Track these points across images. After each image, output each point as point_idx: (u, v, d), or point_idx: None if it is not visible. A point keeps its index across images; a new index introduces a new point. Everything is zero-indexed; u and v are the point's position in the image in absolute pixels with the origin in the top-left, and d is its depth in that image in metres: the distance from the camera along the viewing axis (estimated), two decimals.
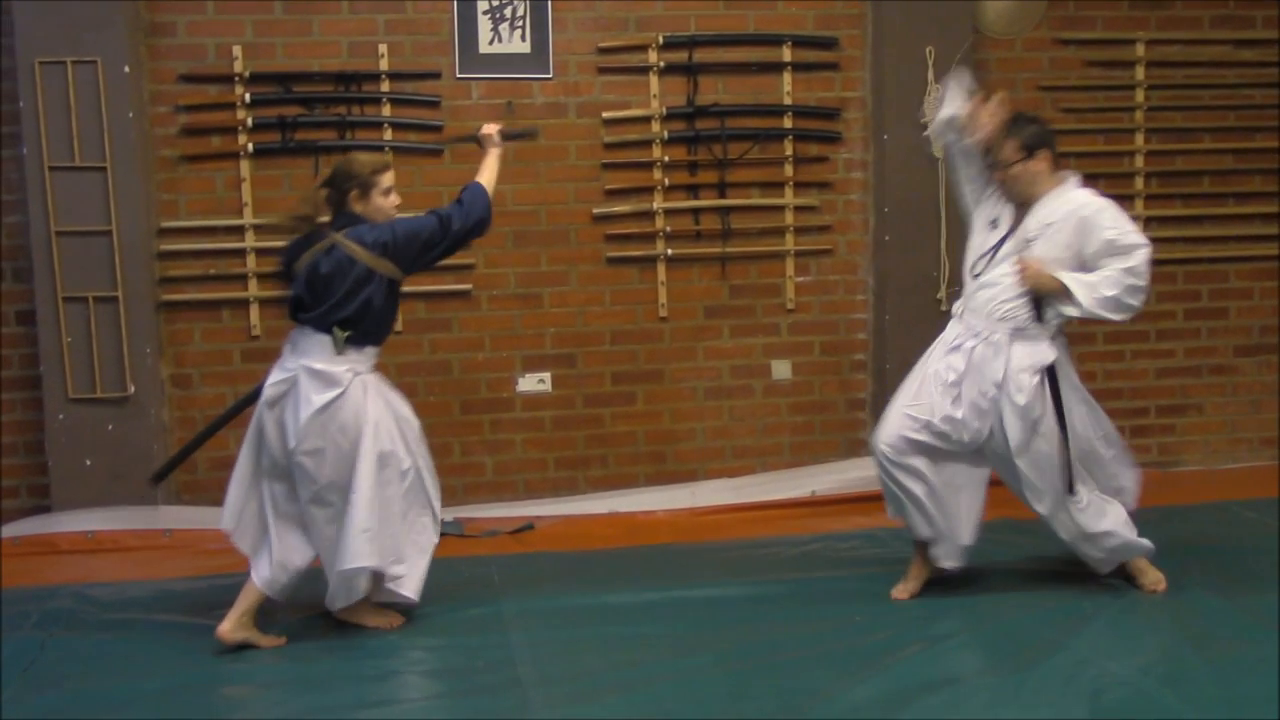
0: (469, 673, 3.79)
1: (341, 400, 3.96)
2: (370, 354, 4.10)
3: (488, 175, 4.25)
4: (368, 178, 4.03)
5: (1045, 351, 4.15)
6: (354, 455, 3.97)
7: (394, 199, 4.11)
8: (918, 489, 4.25)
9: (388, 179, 4.08)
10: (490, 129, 4.37)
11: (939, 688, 3.58)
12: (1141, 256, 4.06)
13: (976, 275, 4.24)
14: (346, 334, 3.98)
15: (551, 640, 4.04)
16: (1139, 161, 6.06)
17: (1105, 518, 4.26)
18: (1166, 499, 5.58)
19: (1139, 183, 6.04)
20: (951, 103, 4.27)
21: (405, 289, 5.44)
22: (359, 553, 3.96)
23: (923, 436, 4.22)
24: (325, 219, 4.09)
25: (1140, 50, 6.01)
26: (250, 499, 4.13)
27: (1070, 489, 4.18)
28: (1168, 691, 3.48)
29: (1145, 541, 4.31)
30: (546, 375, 5.71)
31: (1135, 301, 4.10)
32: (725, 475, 5.85)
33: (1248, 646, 3.82)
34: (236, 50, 5.36)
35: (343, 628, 4.18)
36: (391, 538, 4.06)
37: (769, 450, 5.94)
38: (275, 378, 4.03)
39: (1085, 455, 4.25)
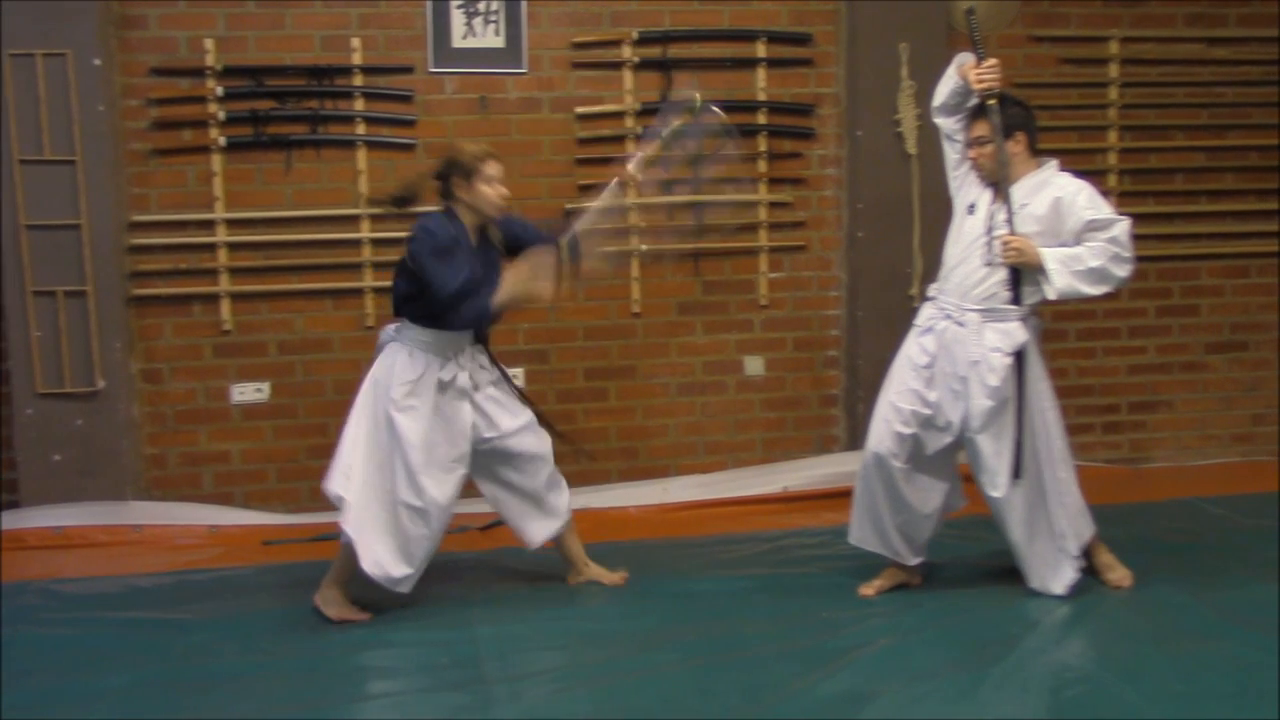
0: (434, 669, 3.78)
1: (375, 362, 4.28)
2: (417, 331, 4.18)
3: (505, 291, 4.13)
4: (471, 164, 4.12)
5: (1018, 333, 4.16)
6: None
7: (499, 188, 4.17)
8: (886, 512, 4.29)
9: (492, 168, 4.15)
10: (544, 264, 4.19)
11: (903, 683, 3.59)
12: (1122, 228, 4.09)
13: (985, 264, 4.19)
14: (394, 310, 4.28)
15: (518, 636, 4.04)
16: (1112, 159, 6.09)
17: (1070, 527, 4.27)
18: (1136, 496, 5.63)
19: (1112, 180, 6.06)
20: (950, 78, 4.25)
21: (378, 282, 5.52)
22: (332, 479, 4.14)
23: (911, 429, 4.23)
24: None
25: (1114, 48, 6.03)
26: None
27: (1017, 473, 4.19)
28: (1128, 687, 3.50)
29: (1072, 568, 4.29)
30: (519, 371, 5.70)
31: (1122, 273, 4.11)
32: (697, 471, 5.86)
33: (1211, 643, 3.85)
34: (208, 43, 5.34)
35: (307, 624, 4.17)
36: (360, 481, 4.13)
37: (741, 446, 5.95)
38: None
39: (1041, 458, 4.23)
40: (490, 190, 4.14)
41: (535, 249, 4.21)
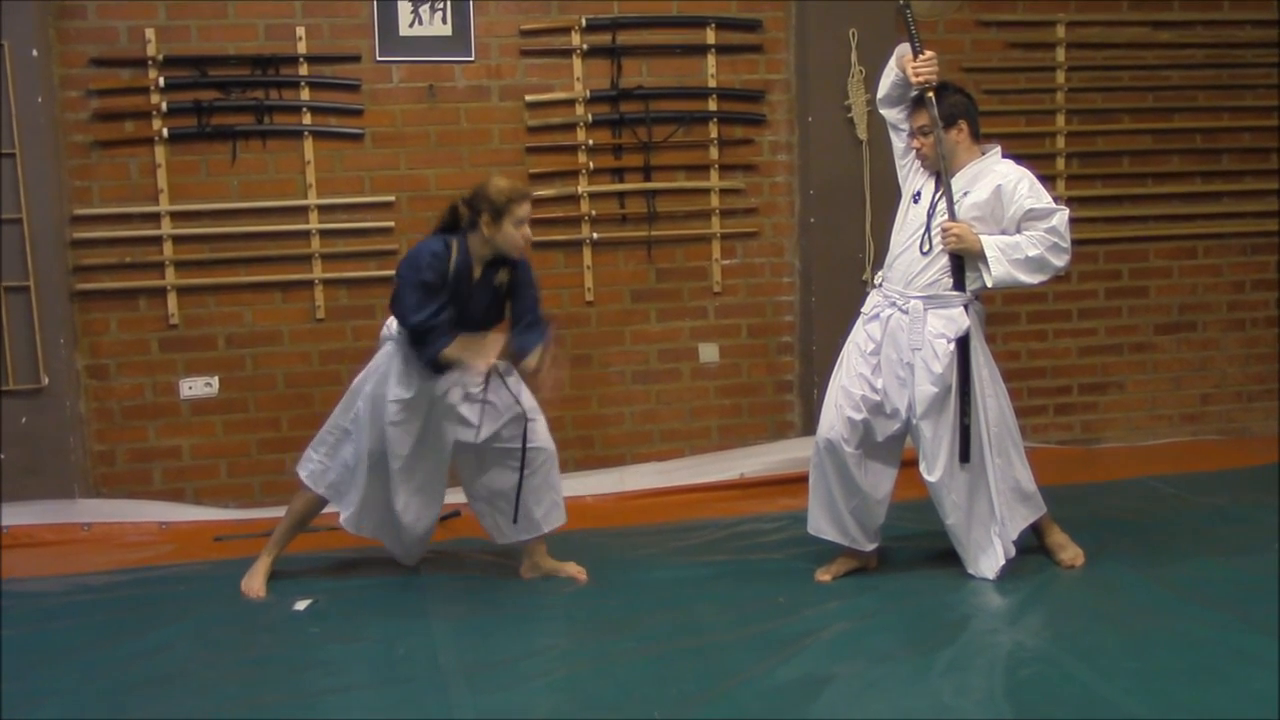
0: (390, 661, 3.75)
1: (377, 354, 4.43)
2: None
3: (454, 351, 4.15)
4: (503, 205, 4.11)
5: (961, 319, 4.18)
6: None
7: (525, 231, 4.18)
8: (840, 497, 4.30)
9: (523, 209, 4.15)
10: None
11: (860, 667, 3.61)
12: (1061, 218, 4.12)
13: (923, 251, 4.22)
14: None
15: (474, 627, 4.01)
16: (1060, 142, 6.12)
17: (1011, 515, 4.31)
18: (1088, 476, 5.68)
19: (1060, 163, 6.10)
20: (891, 70, 4.26)
21: (328, 274, 5.47)
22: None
23: (861, 414, 4.24)
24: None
25: (1060, 32, 6.06)
26: None
27: (965, 457, 4.21)
28: (1082, 665, 3.53)
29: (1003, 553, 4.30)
30: None
31: (1059, 262, 4.14)
32: (653, 459, 5.85)
33: (1162, 619, 3.89)
34: (149, 33, 5.24)
35: (261, 620, 4.13)
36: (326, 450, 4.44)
37: (697, 433, 5.94)
38: None
39: (982, 443, 4.25)
40: (516, 232, 4.16)
41: (503, 335, 4.25)
